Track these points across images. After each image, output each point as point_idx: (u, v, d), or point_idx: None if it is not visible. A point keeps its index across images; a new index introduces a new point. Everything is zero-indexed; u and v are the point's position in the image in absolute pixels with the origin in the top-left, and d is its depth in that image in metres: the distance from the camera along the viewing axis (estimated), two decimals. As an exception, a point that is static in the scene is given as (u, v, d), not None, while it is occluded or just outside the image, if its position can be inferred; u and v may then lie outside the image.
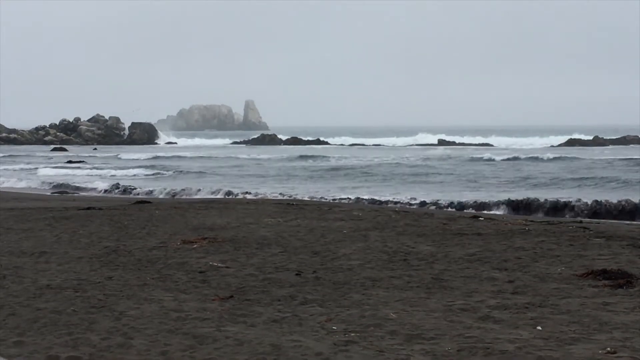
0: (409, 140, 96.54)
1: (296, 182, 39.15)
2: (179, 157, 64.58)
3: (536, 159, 53.34)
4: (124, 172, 46.32)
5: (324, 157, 60.40)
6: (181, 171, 46.71)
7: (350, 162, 53.59)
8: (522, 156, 55.43)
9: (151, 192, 33.08)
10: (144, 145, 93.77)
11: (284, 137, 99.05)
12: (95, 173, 45.80)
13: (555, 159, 53.13)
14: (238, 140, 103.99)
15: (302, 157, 59.92)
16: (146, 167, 50.74)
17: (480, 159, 54.89)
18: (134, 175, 44.81)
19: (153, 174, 45.38)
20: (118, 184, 36.35)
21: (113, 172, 46.32)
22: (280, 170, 47.82)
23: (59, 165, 53.07)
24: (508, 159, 53.38)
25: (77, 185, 37.40)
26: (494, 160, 53.50)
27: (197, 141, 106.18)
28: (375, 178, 40.30)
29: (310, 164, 53.15)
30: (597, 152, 63.11)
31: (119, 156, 65.52)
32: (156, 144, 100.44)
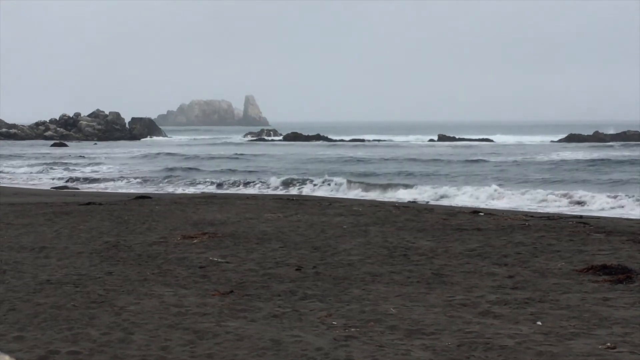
0: (412, 136, 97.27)
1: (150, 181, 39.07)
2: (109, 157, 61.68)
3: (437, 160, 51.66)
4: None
5: (251, 156, 58.46)
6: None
7: (253, 163, 51.31)
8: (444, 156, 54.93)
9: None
10: (138, 140, 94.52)
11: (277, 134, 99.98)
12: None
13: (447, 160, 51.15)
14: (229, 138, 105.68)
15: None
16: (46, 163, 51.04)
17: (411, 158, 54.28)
18: None
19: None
20: None
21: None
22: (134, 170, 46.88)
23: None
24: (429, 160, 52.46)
25: None
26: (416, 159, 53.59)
27: (178, 139, 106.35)
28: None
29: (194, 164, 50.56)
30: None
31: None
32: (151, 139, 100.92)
